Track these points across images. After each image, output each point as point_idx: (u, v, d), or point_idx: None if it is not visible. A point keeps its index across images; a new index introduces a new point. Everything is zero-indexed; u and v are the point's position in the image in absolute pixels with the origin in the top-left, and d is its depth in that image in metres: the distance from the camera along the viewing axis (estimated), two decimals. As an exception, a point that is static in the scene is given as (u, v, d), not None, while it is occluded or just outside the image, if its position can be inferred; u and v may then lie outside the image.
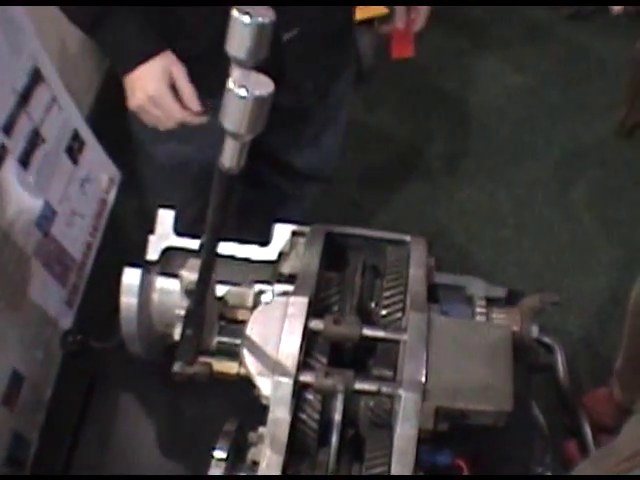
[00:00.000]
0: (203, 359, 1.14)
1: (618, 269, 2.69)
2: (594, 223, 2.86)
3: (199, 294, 1.06)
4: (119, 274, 1.26)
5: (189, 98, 1.49)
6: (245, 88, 0.80)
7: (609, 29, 3.53)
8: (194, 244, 1.30)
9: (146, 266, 1.28)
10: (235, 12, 0.82)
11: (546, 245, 2.80)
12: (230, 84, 0.81)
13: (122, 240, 2.49)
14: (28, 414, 1.95)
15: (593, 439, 2.07)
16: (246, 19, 0.82)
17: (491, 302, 1.28)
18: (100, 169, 2.35)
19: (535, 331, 1.30)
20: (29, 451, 1.94)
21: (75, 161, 2.23)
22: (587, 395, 2.25)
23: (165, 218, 1.34)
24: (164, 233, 1.32)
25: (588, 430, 2.10)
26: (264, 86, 0.82)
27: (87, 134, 2.25)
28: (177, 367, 1.11)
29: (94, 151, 2.30)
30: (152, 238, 1.32)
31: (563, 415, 2.11)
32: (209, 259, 1.02)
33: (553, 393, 1.83)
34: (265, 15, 0.83)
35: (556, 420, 1.80)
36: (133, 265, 1.25)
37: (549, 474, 1.48)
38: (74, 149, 2.21)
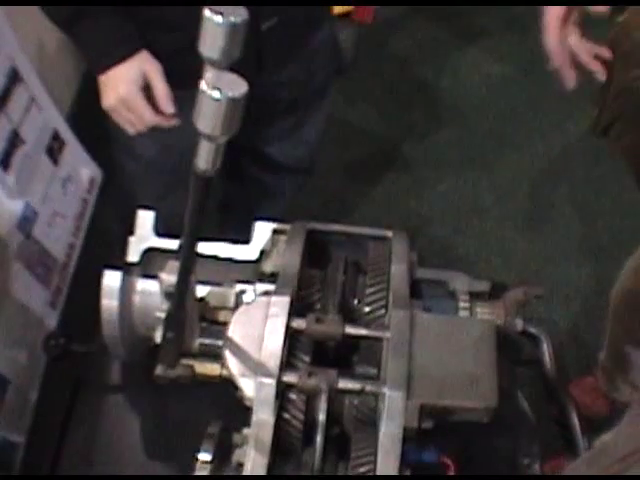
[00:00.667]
0: (185, 361, 1.14)
1: (602, 258, 2.70)
2: (577, 212, 2.86)
3: (178, 297, 1.06)
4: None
5: (162, 99, 1.47)
6: (218, 89, 0.79)
7: (589, 18, 3.53)
8: (175, 244, 1.29)
9: (126, 268, 1.27)
10: (207, 12, 0.81)
11: (530, 235, 2.80)
12: (203, 85, 0.80)
13: (105, 240, 2.47)
14: (14, 418, 1.94)
15: (580, 429, 2.08)
16: (218, 19, 0.81)
17: (474, 296, 1.28)
18: (81, 169, 2.34)
19: (519, 324, 1.30)
20: (17, 455, 1.93)
21: (56, 161, 2.22)
22: (573, 384, 2.25)
23: (145, 219, 1.32)
24: (144, 234, 1.31)
25: (576, 420, 2.10)
26: (238, 87, 0.81)
27: (67, 134, 2.23)
28: (159, 370, 1.11)
29: (75, 151, 2.28)
30: (132, 239, 1.31)
31: (550, 405, 2.11)
32: (188, 261, 1.01)
33: (540, 383, 1.83)
34: (238, 14, 0.82)
35: (544, 410, 1.80)
36: (113, 267, 1.24)
37: (537, 465, 1.48)
38: (54, 149, 2.19)
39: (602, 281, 2.60)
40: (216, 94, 0.79)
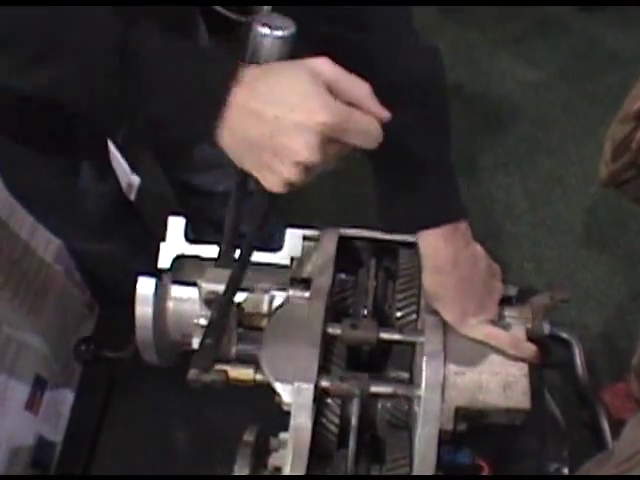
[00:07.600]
0: (219, 366, 1.13)
1: (635, 262, 2.68)
2: (610, 217, 2.84)
3: (225, 305, 1.06)
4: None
5: (368, 96, 0.87)
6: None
7: (622, 20, 3.51)
8: (204, 251, 1.28)
9: (159, 274, 1.27)
10: (256, 25, 0.84)
11: (562, 240, 2.79)
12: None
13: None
14: (52, 418, 1.97)
15: (611, 435, 2.07)
16: (266, 31, 0.83)
17: (502, 301, 1.28)
18: (118, 175, 2.36)
19: (547, 328, 1.30)
20: (53, 455, 1.96)
21: (93, 168, 2.24)
22: (605, 390, 2.24)
23: (175, 225, 1.31)
24: (175, 240, 1.30)
25: (606, 425, 2.09)
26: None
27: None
28: (192, 375, 1.08)
29: (111, 157, 2.31)
30: (163, 246, 1.30)
31: (581, 410, 2.10)
32: (241, 271, 1.03)
33: (571, 388, 1.82)
34: (285, 27, 0.84)
35: (575, 415, 1.79)
36: (146, 274, 1.24)
37: (565, 470, 1.49)
38: (91, 157, 2.22)
39: (635, 286, 2.58)
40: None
